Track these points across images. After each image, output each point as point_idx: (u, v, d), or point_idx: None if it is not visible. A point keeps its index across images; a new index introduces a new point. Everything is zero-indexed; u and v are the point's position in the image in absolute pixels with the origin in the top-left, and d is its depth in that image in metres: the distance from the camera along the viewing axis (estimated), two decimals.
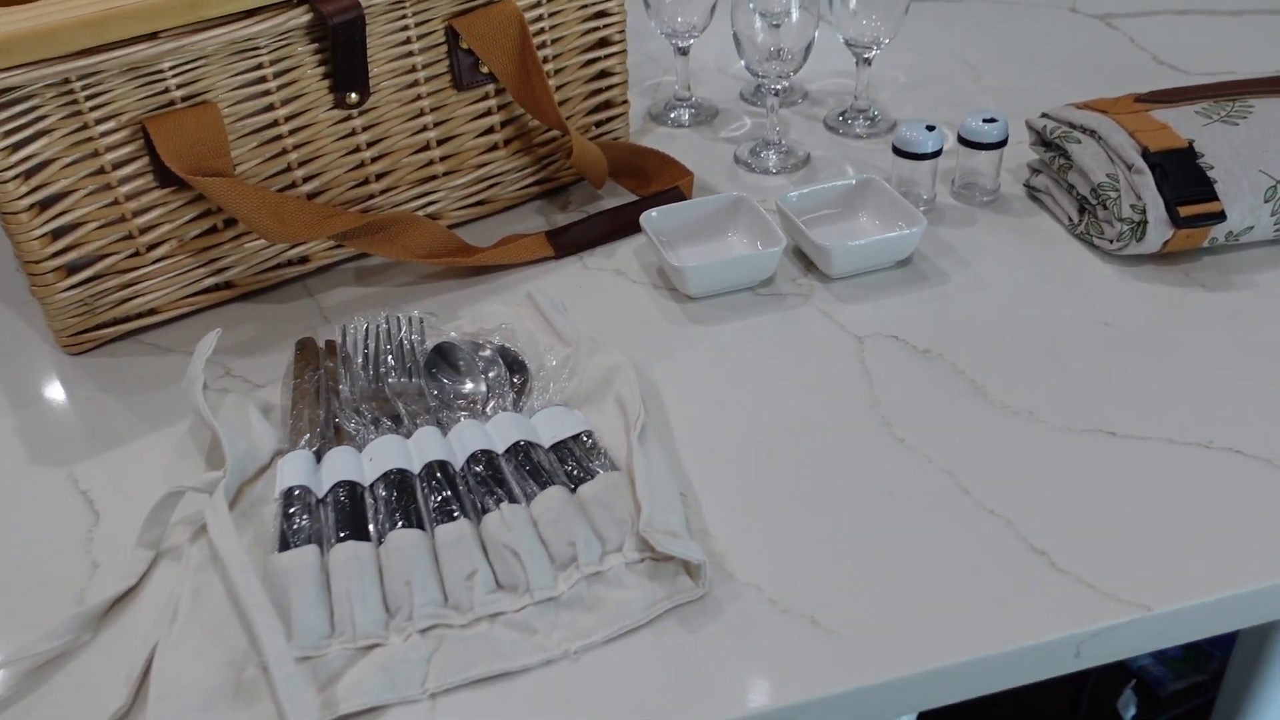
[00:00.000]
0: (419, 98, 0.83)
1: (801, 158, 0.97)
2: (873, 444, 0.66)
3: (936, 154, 0.86)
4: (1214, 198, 0.78)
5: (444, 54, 0.83)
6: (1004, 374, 0.71)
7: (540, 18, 0.86)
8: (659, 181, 0.93)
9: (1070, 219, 0.85)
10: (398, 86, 0.82)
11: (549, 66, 0.88)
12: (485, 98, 0.86)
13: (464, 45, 0.82)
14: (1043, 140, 0.87)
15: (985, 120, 0.86)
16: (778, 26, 0.89)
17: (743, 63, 0.92)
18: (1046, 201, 0.88)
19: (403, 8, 0.79)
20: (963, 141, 0.87)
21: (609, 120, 0.95)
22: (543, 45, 0.87)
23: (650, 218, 0.83)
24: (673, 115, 1.05)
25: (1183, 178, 0.78)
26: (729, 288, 0.80)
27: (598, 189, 0.93)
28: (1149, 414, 0.67)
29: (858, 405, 0.69)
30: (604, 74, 0.93)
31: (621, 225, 0.87)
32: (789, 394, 0.71)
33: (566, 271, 0.85)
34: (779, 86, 0.93)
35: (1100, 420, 0.67)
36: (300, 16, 0.74)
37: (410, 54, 0.81)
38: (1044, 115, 0.88)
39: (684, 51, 1.02)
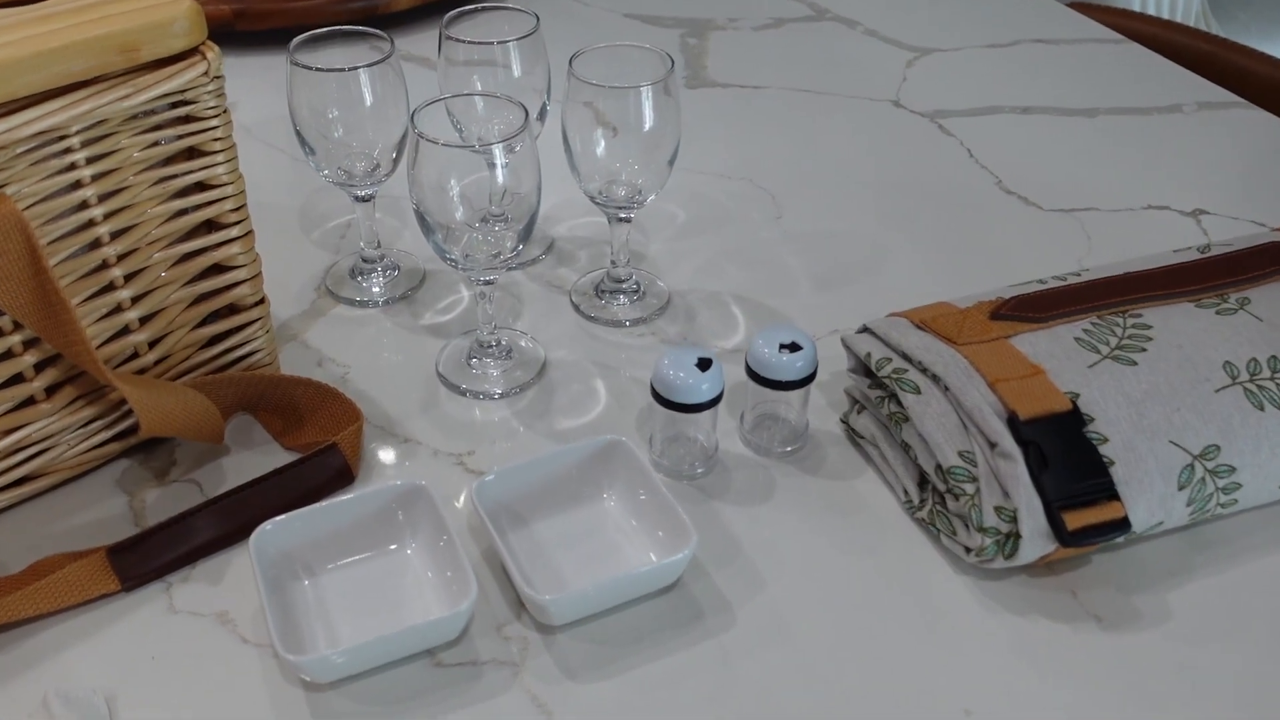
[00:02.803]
0: None
1: (535, 369, 0.68)
2: None
3: (715, 401, 0.58)
4: (1112, 493, 0.52)
5: None
6: None
7: (86, 203, 0.53)
8: (314, 424, 0.62)
9: (906, 493, 0.58)
10: None
11: (117, 271, 0.56)
12: None
13: None
14: (865, 369, 0.61)
15: (784, 347, 0.59)
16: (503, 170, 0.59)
17: (430, 245, 0.62)
18: (873, 455, 0.61)
19: None
20: (754, 377, 0.60)
21: (238, 330, 0.63)
22: (98, 243, 0.55)
23: (263, 535, 0.52)
24: (359, 283, 0.74)
25: (1068, 465, 0.52)
26: (391, 659, 0.51)
27: (216, 444, 0.61)
28: None
29: None
30: (218, 269, 0.61)
31: (241, 524, 0.55)
32: None
33: (141, 615, 0.53)
34: (490, 279, 0.63)
35: None
36: None
37: None
38: (865, 329, 0.62)
39: (365, 199, 0.71)
